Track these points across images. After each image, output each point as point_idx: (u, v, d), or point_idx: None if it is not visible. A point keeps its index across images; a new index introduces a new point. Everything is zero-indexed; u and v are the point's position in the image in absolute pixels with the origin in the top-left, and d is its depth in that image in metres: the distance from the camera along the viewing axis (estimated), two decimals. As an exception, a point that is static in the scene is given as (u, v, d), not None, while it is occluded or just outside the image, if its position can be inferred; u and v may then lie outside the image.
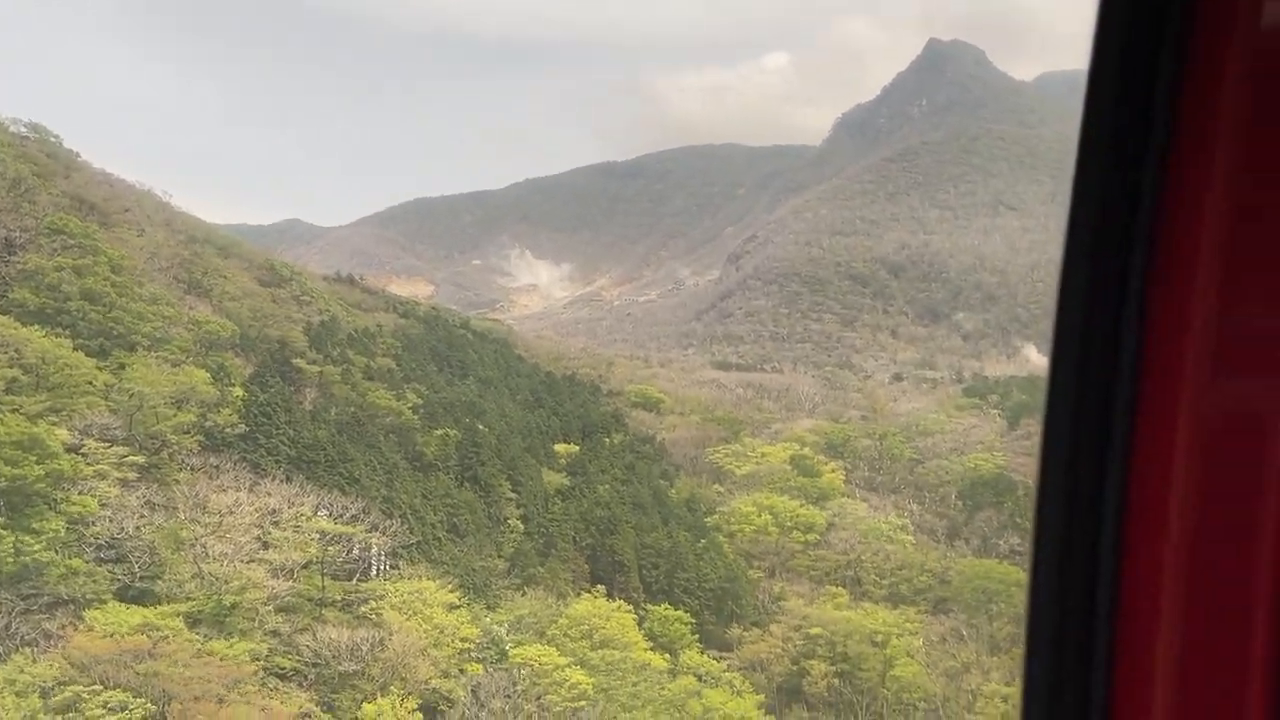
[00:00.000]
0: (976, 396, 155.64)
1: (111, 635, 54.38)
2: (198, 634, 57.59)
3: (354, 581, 68.58)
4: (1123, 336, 2.29)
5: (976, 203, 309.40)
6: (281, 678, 58.78)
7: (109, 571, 60.12)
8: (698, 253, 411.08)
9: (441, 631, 64.78)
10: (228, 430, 75.70)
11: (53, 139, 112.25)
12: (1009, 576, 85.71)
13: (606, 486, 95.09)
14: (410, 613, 65.35)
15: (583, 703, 62.72)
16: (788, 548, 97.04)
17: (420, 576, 70.01)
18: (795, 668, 78.33)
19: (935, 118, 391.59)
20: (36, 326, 71.97)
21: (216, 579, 61.33)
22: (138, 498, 64.89)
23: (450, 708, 61.25)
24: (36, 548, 57.32)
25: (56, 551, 58.34)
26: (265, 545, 66.11)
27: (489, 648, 66.67)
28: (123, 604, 58.65)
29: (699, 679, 70.75)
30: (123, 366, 75.06)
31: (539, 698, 62.50)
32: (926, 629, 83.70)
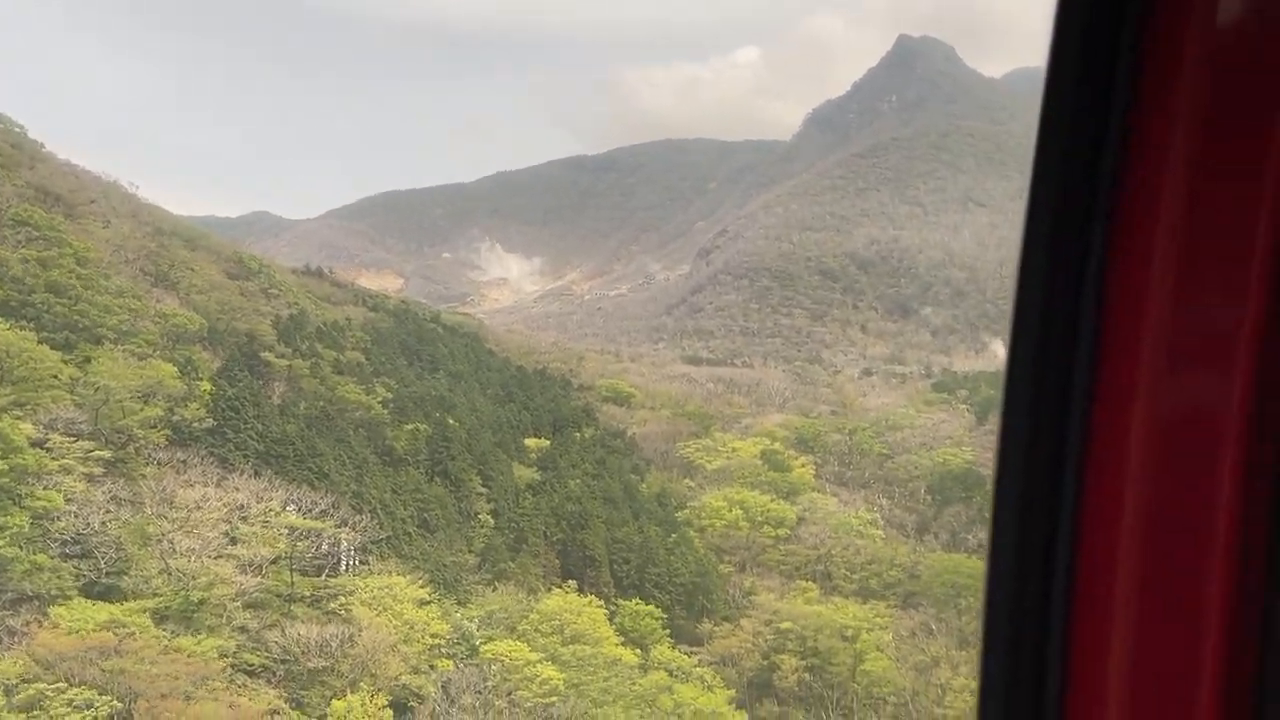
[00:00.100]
0: (945, 391, 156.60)
1: (77, 632, 53.74)
2: (164, 630, 57.00)
3: (323, 577, 68.05)
4: (1081, 326, 2.29)
5: (946, 199, 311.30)
6: (250, 674, 58.31)
7: (74, 567, 59.40)
8: (668, 247, 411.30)
9: (411, 627, 64.48)
10: (195, 424, 74.93)
11: (17, 129, 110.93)
12: (978, 571, 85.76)
13: (577, 481, 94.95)
14: (380, 608, 65.00)
15: (554, 698, 62.60)
16: (758, 542, 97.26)
17: (390, 572, 69.64)
18: (766, 662, 78.52)
19: (905, 114, 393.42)
20: (0, 319, 71.00)
21: (184, 575, 60.74)
22: (104, 493, 64.17)
23: (420, 704, 60.96)
24: (0, 543, 56.57)
25: (21, 547, 57.56)
26: (233, 541, 65.53)
27: (459, 643, 66.43)
28: (88, 600, 57.98)
29: (670, 674, 70.77)
30: (88, 360, 74.16)
31: (510, 693, 62.32)
32: (896, 623, 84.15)
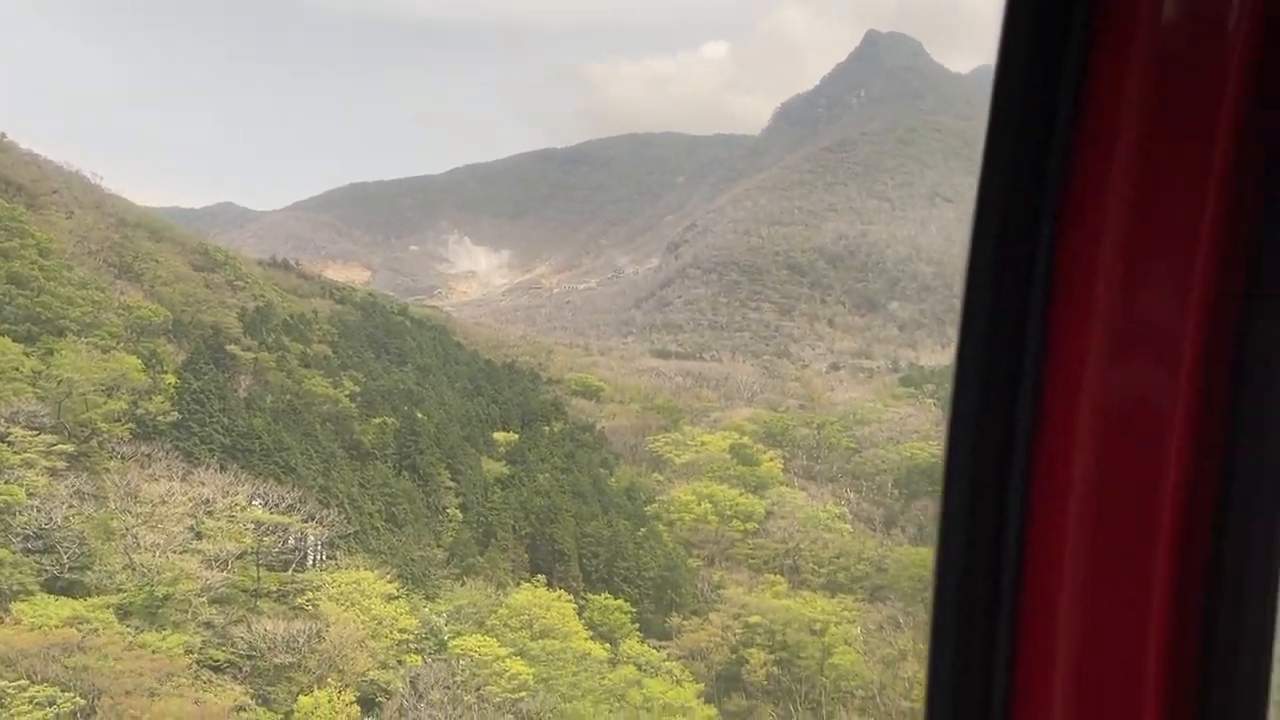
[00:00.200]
0: (912, 386, 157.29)
1: (39, 628, 53.12)
2: (129, 626, 56.51)
3: (290, 572, 67.61)
4: (1029, 317, 2.31)
5: (914, 194, 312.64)
6: (215, 670, 57.87)
7: (36, 562, 58.68)
8: (637, 241, 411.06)
9: (379, 622, 64.16)
10: (160, 418, 74.27)
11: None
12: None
13: (546, 475, 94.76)
14: (348, 603, 64.64)
15: (523, 693, 62.49)
16: (727, 536, 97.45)
17: (358, 567, 69.28)
18: (734, 656, 78.70)
19: (873, 109, 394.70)
20: (-40, 311, 70.04)
21: (148, 570, 60.21)
22: (66, 487, 63.47)
23: (388, 699, 60.70)
24: (-40, 539, 55.82)
25: (-19, 543, 56.82)
26: (198, 535, 65.05)
27: (428, 638, 66.18)
28: (51, 596, 57.34)
29: (639, 668, 70.83)
30: (51, 352, 73.29)
31: (478, 688, 62.14)
32: (864, 617, 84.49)
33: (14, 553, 58.10)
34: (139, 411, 73.54)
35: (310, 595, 64.83)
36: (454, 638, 66.51)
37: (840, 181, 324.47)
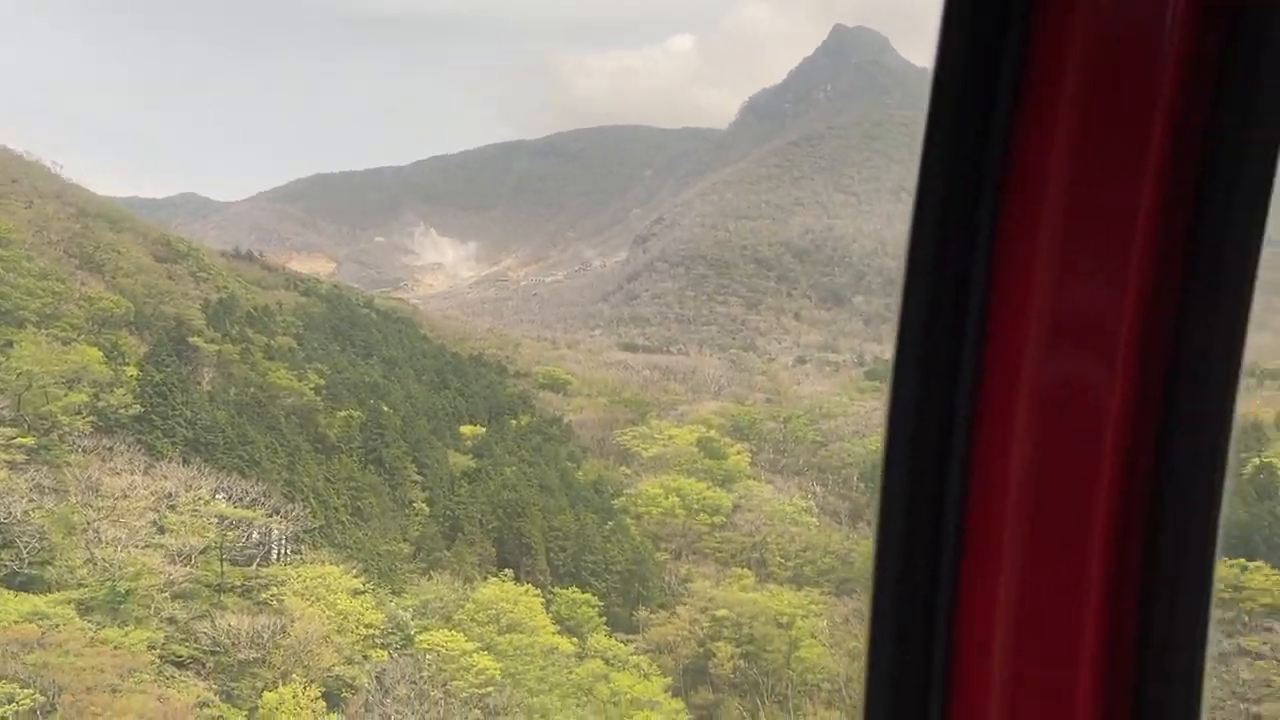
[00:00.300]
0: (877, 380, 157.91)
1: (-2, 624, 52.41)
2: (90, 622, 55.87)
3: (254, 567, 67.13)
4: (968, 308, 2.33)
5: (879, 188, 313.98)
6: (179, 666, 57.38)
7: (-5, 558, 57.93)
8: (605, 234, 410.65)
9: (345, 617, 63.79)
10: (121, 411, 73.53)
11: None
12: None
13: (513, 469, 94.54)
14: (313, 598, 64.22)
15: (490, 688, 62.32)
16: (694, 530, 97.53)
17: (323, 561, 68.90)
18: (702, 650, 78.86)
19: (840, 103, 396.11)
20: (-84, 302, 68.95)
21: (110, 565, 59.60)
22: (26, 480, 62.71)
23: (354, 695, 60.38)
24: (-83, 534, 54.96)
25: (-62, 537, 55.98)
26: (161, 530, 64.52)
27: (394, 633, 65.86)
28: (10, 591, 56.66)
29: (606, 662, 70.86)
30: (10, 344, 72.37)
31: (445, 684, 61.90)
32: (831, 610, 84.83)
33: (-28, 548, 57.31)
34: (100, 404, 72.75)
35: (275, 590, 64.38)
36: (420, 632, 66.22)
37: (807, 176, 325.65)
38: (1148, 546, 2.24)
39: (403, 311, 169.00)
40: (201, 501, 67.03)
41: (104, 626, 55.72)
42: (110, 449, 69.69)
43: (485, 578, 78.03)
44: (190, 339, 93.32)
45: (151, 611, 58.74)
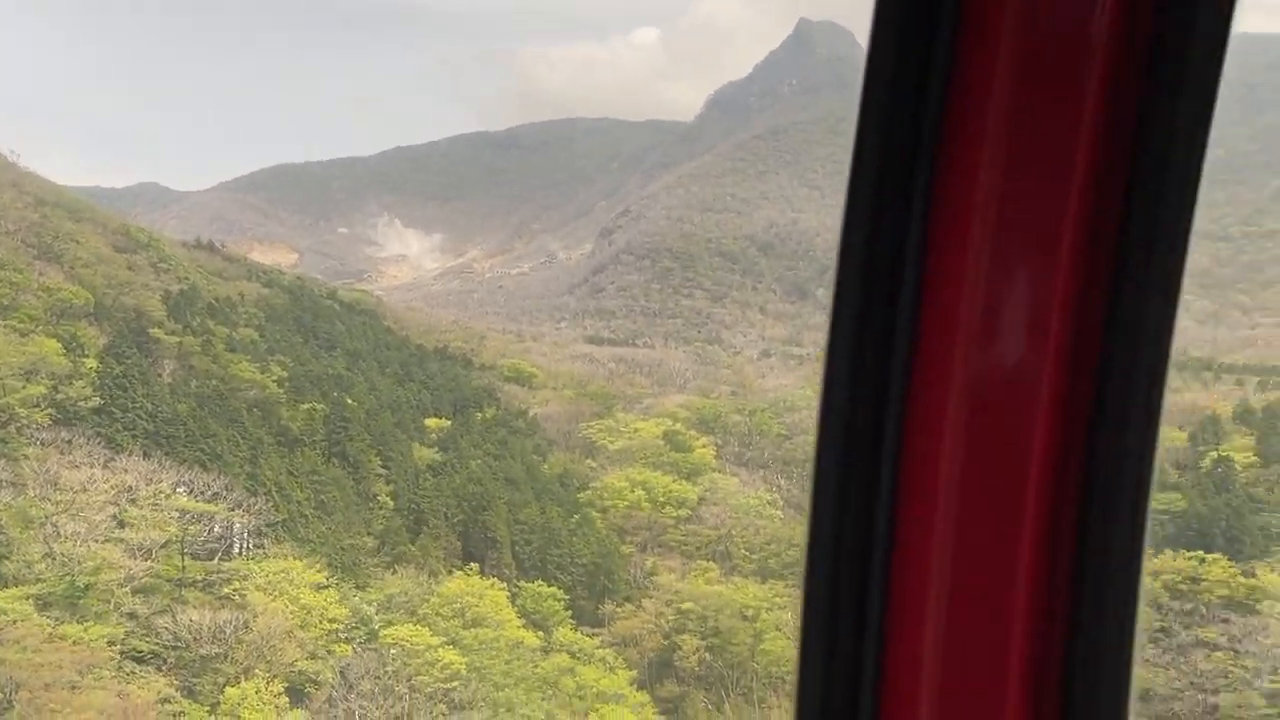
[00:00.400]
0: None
1: (-47, 620, 51.71)
2: (48, 618, 55.36)
3: (216, 561, 66.71)
4: (899, 306, 2.34)
5: (844, 182, 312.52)
6: (139, 662, 56.94)
7: (-50, 553, 57.17)
8: (570, 226, 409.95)
9: (308, 612, 63.48)
10: (81, 403, 72.85)
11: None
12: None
13: (479, 462, 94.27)
14: (276, 593, 63.86)
15: (455, 683, 62.19)
16: (660, 523, 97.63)
17: (286, 555, 68.56)
18: (667, 643, 79.01)
19: (805, 97, 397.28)
20: None
21: (69, 559, 59.06)
22: (-18, 474, 61.88)
23: (317, 690, 60.11)
24: None
25: (-108, 532, 55.14)
26: (121, 524, 64.02)
27: (358, 628, 65.59)
28: (-34, 587, 55.84)
29: (572, 656, 70.86)
30: (-35, 336, 71.31)
31: (410, 678, 61.68)
32: (795, 603, 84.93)
33: (-74, 542, 56.52)
34: (59, 396, 72.07)
35: (237, 585, 64.04)
36: (385, 627, 65.97)
37: (772, 170, 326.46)
38: (1078, 539, 2.25)
39: (367, 303, 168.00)
40: (162, 495, 66.54)
41: (63, 622, 55.22)
42: (69, 442, 69.01)
43: (450, 572, 77.76)
44: (151, 330, 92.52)
45: (111, 606, 58.26)
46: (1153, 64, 2.18)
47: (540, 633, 73.31)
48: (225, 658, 58.49)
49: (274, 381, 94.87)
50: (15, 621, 53.09)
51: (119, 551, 61.05)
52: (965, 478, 2.29)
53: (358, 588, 71.12)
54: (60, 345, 75.83)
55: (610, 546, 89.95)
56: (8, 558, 58.58)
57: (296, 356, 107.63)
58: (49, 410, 70.73)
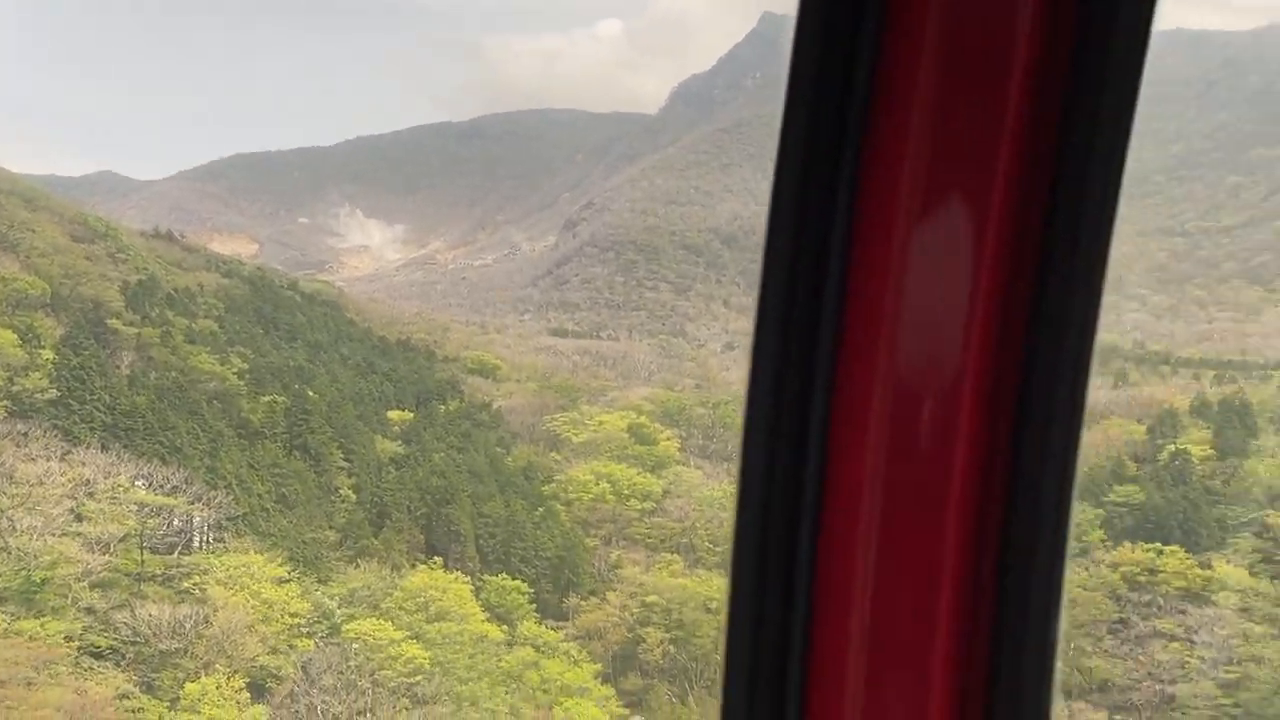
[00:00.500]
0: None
1: (-95, 617, 50.94)
2: (4, 613, 54.95)
3: (175, 555, 66.21)
4: (824, 306, 2.35)
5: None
6: (97, 658, 56.43)
7: (-98, 548, 56.32)
8: (534, 218, 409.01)
9: (270, 606, 63.14)
10: (37, 395, 72.13)
11: None
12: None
13: (442, 455, 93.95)
14: (236, 587, 63.47)
15: (419, 677, 62.02)
16: (624, 516, 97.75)
17: (247, 549, 68.11)
18: (631, 636, 79.19)
19: (769, 90, 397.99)
20: None
21: (25, 554, 58.45)
22: (-65, 468, 61.01)
23: (279, 685, 59.77)
24: None
25: None
26: (79, 518, 63.39)
27: (320, 622, 65.32)
28: (-82, 582, 55.04)
29: (536, 649, 70.89)
30: (-82, 326, 70.24)
31: (373, 673, 61.45)
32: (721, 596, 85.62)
33: (-122, 537, 55.63)
34: (15, 388, 71.38)
35: (197, 579, 63.62)
36: (347, 621, 65.72)
37: (736, 163, 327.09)
38: (1003, 529, 2.26)
39: (328, 294, 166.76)
40: (121, 488, 65.98)
41: (19, 618, 54.69)
42: (25, 434, 68.24)
43: (414, 565, 77.54)
44: (109, 321, 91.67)
45: (69, 601, 57.70)
46: (1076, 58, 2.19)
47: (504, 626, 73.24)
48: (185, 653, 58.08)
49: (234, 373, 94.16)
50: (-31, 617, 52.47)
51: (76, 545, 60.44)
52: (890, 469, 2.29)
53: (320, 582, 70.75)
54: (16, 336, 75.01)
55: (574, 540, 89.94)
56: (-38, 552, 57.83)
57: (257, 348, 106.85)
58: (4, 402, 70.03)
